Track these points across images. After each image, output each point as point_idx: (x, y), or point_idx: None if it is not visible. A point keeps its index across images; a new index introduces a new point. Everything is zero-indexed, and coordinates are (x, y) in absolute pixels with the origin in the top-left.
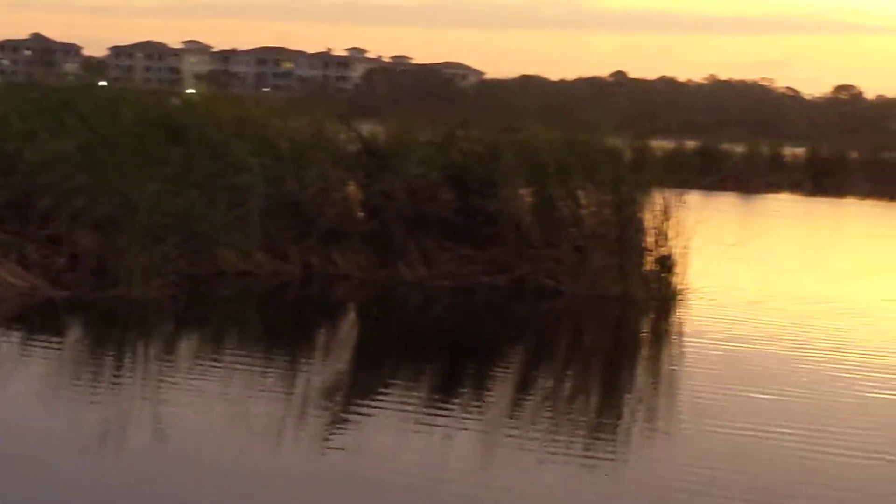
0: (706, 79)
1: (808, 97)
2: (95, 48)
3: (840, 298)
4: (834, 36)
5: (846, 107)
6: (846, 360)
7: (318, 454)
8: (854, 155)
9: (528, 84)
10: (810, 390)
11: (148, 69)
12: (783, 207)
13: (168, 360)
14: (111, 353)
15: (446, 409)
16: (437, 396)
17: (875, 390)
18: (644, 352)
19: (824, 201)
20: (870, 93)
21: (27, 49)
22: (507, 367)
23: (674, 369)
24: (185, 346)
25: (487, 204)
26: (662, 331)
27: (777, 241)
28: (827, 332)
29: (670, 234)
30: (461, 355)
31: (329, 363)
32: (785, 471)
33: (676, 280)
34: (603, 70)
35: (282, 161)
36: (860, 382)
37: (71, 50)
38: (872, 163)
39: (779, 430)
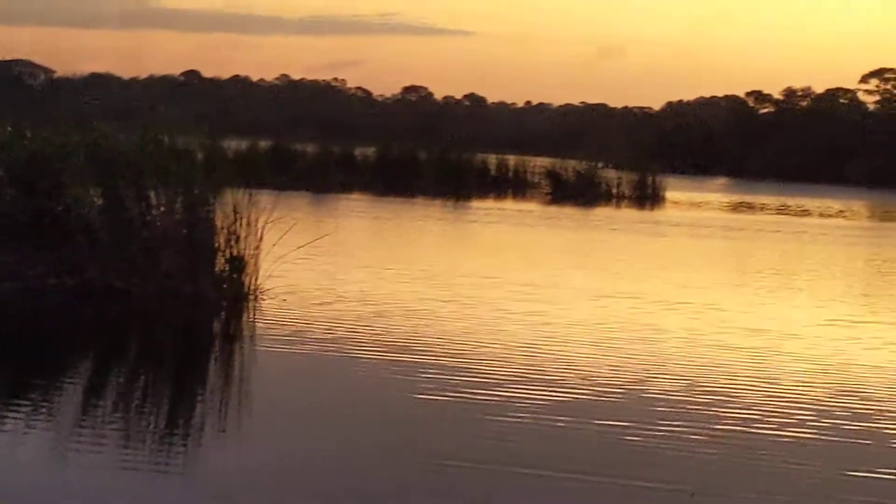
0: (278, 79)
1: (378, 98)
2: None
3: (409, 299)
4: (403, 38)
5: (415, 107)
6: (408, 361)
7: None
8: (423, 155)
9: (99, 83)
10: (374, 391)
11: None
12: (355, 207)
13: None
14: None
15: (12, 419)
16: (1, 405)
17: (427, 391)
18: (215, 354)
19: (395, 201)
20: (438, 94)
21: None
22: (77, 372)
23: (245, 372)
24: None
25: (55, 204)
26: (234, 332)
27: (348, 242)
28: (395, 332)
29: (242, 234)
30: (28, 361)
31: None
32: (364, 473)
33: (248, 281)
34: (175, 69)
35: None
36: (419, 383)
37: None
38: (440, 163)
39: (351, 432)
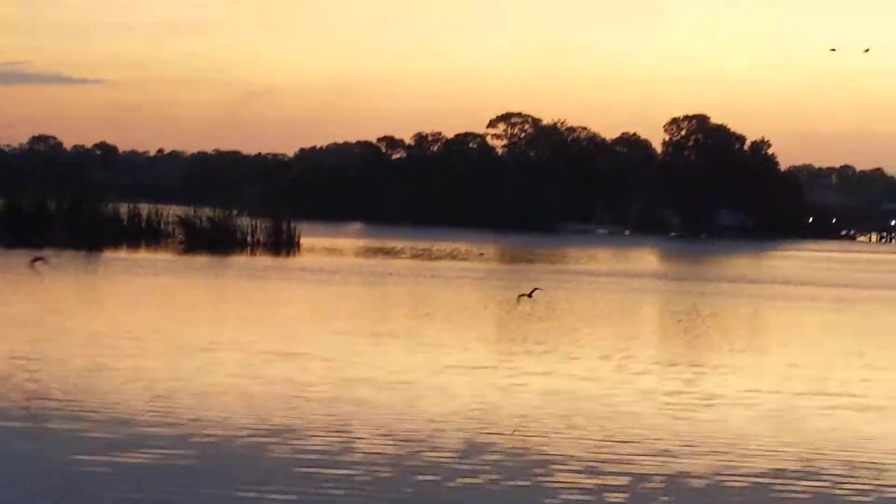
0: None
1: (5, 148)
2: None
3: None
4: (31, 87)
5: (44, 157)
6: None
7: None
8: (53, 206)
9: None
10: None
11: None
12: None
13: None
14: None
15: None
16: None
17: None
18: None
19: (24, 253)
20: (67, 143)
21: None
22: None
23: None
24: None
25: None
26: None
27: None
28: None
29: None
30: None
31: None
32: None
33: None
34: None
35: None
36: None
37: None
38: (71, 213)
39: None
